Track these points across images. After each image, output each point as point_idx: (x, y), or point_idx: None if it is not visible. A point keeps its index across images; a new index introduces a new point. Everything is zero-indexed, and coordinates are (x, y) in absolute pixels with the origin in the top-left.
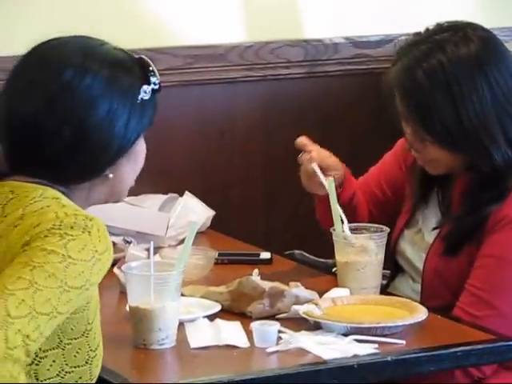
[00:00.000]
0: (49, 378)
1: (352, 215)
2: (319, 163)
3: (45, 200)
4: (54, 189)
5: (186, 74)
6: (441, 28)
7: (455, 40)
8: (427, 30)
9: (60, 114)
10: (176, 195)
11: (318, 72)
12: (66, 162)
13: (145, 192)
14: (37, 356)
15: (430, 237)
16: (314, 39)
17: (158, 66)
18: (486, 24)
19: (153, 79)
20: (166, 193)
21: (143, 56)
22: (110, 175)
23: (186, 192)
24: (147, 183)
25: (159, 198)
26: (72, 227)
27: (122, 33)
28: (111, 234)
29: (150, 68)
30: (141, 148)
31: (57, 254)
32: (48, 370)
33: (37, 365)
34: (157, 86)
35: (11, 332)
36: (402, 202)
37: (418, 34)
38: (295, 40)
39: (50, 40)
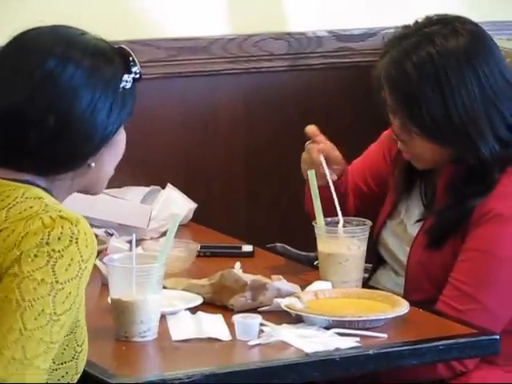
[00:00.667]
0: None
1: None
2: (325, 155)
3: (27, 201)
4: (35, 186)
5: (169, 66)
6: (430, 21)
7: (444, 33)
8: (416, 22)
9: (43, 104)
10: (158, 187)
11: (300, 65)
12: (50, 152)
13: (127, 184)
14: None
15: (413, 229)
16: (297, 32)
17: (141, 57)
18: (473, 18)
19: (133, 68)
20: (148, 185)
21: (123, 46)
22: (93, 164)
23: (168, 184)
24: (129, 175)
25: (141, 191)
26: (59, 238)
27: (104, 24)
28: (93, 225)
29: (131, 58)
30: (121, 137)
31: (45, 283)
32: None
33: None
34: (137, 76)
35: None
36: (386, 194)
37: (406, 26)
38: (278, 33)
39: (30, 29)
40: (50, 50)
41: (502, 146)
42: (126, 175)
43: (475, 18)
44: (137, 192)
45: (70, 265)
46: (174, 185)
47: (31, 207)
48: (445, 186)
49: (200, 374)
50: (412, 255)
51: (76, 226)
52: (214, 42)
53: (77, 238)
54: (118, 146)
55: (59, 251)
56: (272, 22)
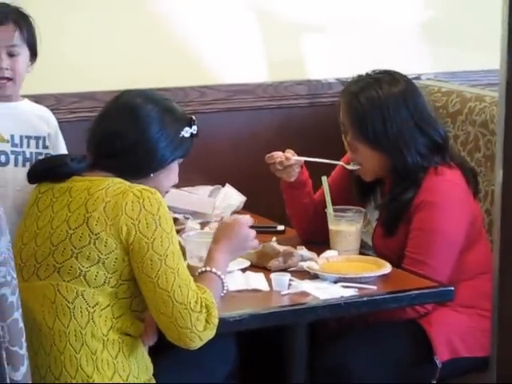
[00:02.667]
0: None
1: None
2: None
3: (116, 184)
4: (117, 177)
5: (227, 103)
6: (378, 72)
7: (387, 79)
8: (368, 72)
9: (130, 128)
10: (220, 186)
11: (317, 103)
12: (127, 160)
13: (199, 183)
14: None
15: (374, 224)
16: (314, 79)
17: (208, 97)
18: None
19: (193, 126)
20: (213, 184)
21: (193, 116)
22: (152, 175)
23: (227, 184)
24: (200, 178)
25: (208, 188)
26: (151, 204)
27: (180, 73)
28: (176, 212)
29: (193, 120)
30: (174, 168)
31: (163, 238)
32: None
33: None
34: (194, 132)
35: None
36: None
37: (361, 75)
38: (301, 80)
39: (131, 91)
40: (143, 104)
41: (421, 157)
42: (198, 178)
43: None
44: (205, 189)
45: (166, 218)
46: (231, 184)
47: (120, 187)
48: (388, 189)
49: (247, 314)
50: (374, 244)
51: (156, 193)
52: (257, 86)
53: (160, 201)
54: (171, 173)
55: (152, 213)
56: (297, 73)
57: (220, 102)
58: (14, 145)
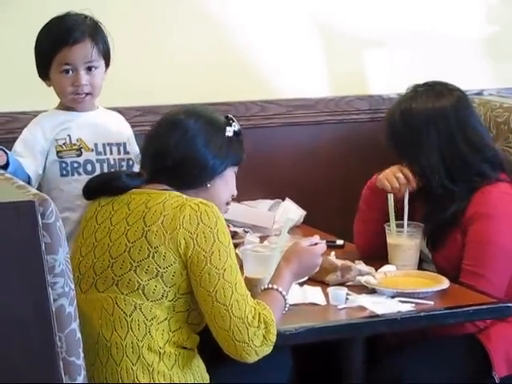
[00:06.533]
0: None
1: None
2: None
3: (173, 198)
4: (173, 191)
5: (288, 117)
6: (428, 83)
7: (430, 93)
8: (417, 84)
9: (179, 144)
10: (280, 200)
11: (378, 117)
12: (180, 174)
13: (259, 198)
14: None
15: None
16: (375, 95)
17: (269, 112)
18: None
19: (232, 123)
20: (273, 199)
21: (229, 115)
22: (208, 185)
23: (287, 198)
24: (261, 192)
25: (268, 202)
26: (209, 217)
27: (241, 87)
28: (235, 225)
29: (231, 119)
30: (230, 175)
31: (221, 251)
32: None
33: None
34: (236, 128)
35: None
36: None
37: (416, 85)
38: (362, 95)
39: (180, 109)
40: (190, 118)
41: (454, 180)
42: (258, 192)
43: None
44: (265, 203)
45: (223, 232)
46: (290, 198)
47: (177, 200)
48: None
49: (304, 328)
50: (433, 256)
51: (213, 207)
52: (319, 101)
53: (218, 214)
54: (227, 181)
55: (210, 227)
56: (359, 88)
57: (281, 117)
58: (98, 153)
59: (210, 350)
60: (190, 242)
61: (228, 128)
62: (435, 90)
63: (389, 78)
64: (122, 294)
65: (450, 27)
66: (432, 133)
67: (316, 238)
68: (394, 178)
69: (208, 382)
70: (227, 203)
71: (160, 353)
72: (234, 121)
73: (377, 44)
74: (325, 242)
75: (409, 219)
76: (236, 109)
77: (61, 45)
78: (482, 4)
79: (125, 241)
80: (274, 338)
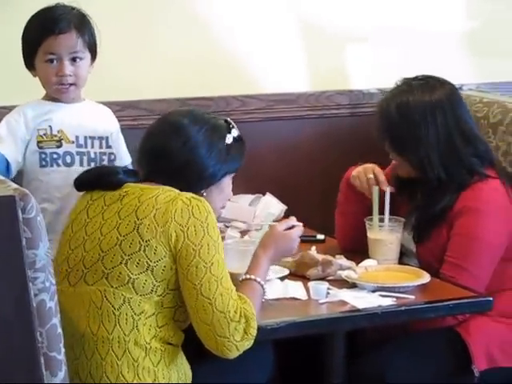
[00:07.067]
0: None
1: None
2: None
3: (166, 192)
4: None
5: (269, 112)
6: (420, 77)
7: (424, 86)
8: (409, 78)
9: (182, 149)
10: (260, 195)
11: (358, 112)
12: (178, 177)
13: (240, 192)
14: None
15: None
16: (356, 90)
17: (250, 106)
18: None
19: (232, 130)
20: (254, 193)
21: (228, 119)
22: (204, 194)
23: (267, 193)
24: (242, 187)
25: (249, 197)
26: (200, 211)
27: (222, 82)
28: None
29: (231, 125)
30: (227, 183)
31: (210, 245)
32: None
33: None
34: (236, 134)
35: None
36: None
37: (405, 79)
38: (343, 90)
39: (179, 111)
40: (189, 124)
41: (461, 166)
42: (239, 187)
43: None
44: (246, 198)
45: (213, 226)
46: (271, 193)
47: (170, 195)
48: (421, 195)
49: (285, 323)
50: (418, 250)
51: (204, 202)
52: (299, 96)
53: (209, 209)
54: (224, 189)
55: (201, 221)
56: (338, 83)
57: (262, 112)
58: (78, 145)
59: (193, 347)
60: (181, 235)
61: (228, 135)
62: (429, 83)
63: (368, 74)
64: (112, 287)
65: (430, 23)
66: (430, 125)
67: (293, 220)
68: (365, 178)
69: (191, 379)
70: (222, 207)
71: (146, 348)
72: (234, 127)
73: (356, 40)
74: (302, 224)
75: (392, 214)
76: (217, 103)
77: (47, 34)
78: (462, 0)
79: (116, 234)
80: (254, 332)
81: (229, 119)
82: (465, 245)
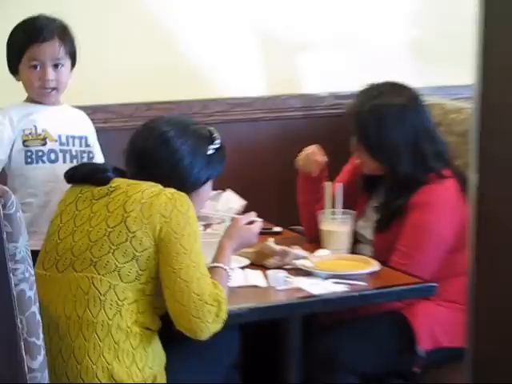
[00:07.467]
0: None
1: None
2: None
3: (151, 187)
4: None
5: (228, 115)
6: (384, 83)
7: (391, 90)
8: (374, 83)
9: (162, 153)
10: (221, 191)
11: (311, 114)
12: (164, 182)
13: None
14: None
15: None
16: (308, 94)
17: (210, 109)
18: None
19: (215, 141)
20: (215, 189)
21: (212, 128)
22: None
23: (228, 189)
24: None
25: (211, 193)
26: (182, 205)
27: (185, 87)
28: None
29: (214, 135)
30: (207, 189)
31: (191, 235)
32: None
33: None
34: (217, 146)
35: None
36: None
37: (370, 84)
38: (296, 94)
39: (166, 119)
40: (171, 130)
41: (422, 165)
42: None
43: (430, 83)
44: None
45: (194, 219)
46: (231, 189)
47: (155, 190)
48: (386, 190)
49: (247, 308)
50: (374, 238)
51: (185, 196)
52: (256, 99)
53: (189, 203)
54: (203, 194)
55: (181, 211)
56: (293, 87)
57: (222, 114)
58: (61, 144)
59: (165, 332)
60: (164, 225)
61: (210, 146)
62: (395, 87)
63: (321, 79)
64: (99, 274)
65: (377, 31)
66: (400, 126)
67: (253, 215)
68: (305, 154)
69: (164, 361)
70: (202, 207)
71: (127, 332)
72: (216, 137)
73: (309, 48)
74: (261, 220)
75: (351, 208)
76: (179, 107)
77: (31, 42)
78: (406, 8)
79: (105, 226)
80: (224, 316)
81: (212, 129)
82: (415, 235)
